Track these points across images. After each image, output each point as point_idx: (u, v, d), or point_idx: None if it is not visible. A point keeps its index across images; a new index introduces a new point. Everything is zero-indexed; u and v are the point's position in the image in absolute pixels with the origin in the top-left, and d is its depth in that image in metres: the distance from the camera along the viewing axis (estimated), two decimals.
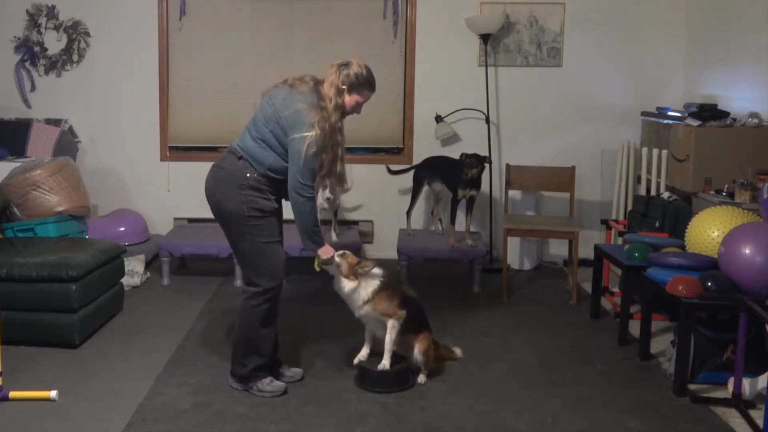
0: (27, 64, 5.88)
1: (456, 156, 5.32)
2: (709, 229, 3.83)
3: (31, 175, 4.90)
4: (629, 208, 5.43)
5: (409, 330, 3.56)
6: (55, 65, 5.86)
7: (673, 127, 5.01)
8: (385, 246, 5.86)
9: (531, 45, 5.87)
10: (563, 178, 5.43)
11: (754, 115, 4.60)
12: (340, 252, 3.44)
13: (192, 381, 3.56)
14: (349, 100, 3.31)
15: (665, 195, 4.87)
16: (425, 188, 5.57)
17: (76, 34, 5.84)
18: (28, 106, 5.90)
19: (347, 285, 3.43)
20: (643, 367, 3.85)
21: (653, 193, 5.13)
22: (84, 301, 3.97)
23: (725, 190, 4.40)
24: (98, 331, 4.19)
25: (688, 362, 3.53)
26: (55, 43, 5.86)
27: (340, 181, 3.39)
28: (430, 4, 5.84)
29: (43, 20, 5.83)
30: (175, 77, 5.93)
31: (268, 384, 3.42)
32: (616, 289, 4.90)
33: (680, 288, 3.47)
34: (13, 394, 3.29)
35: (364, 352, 3.60)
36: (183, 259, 5.58)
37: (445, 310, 4.63)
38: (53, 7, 5.82)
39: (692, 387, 3.55)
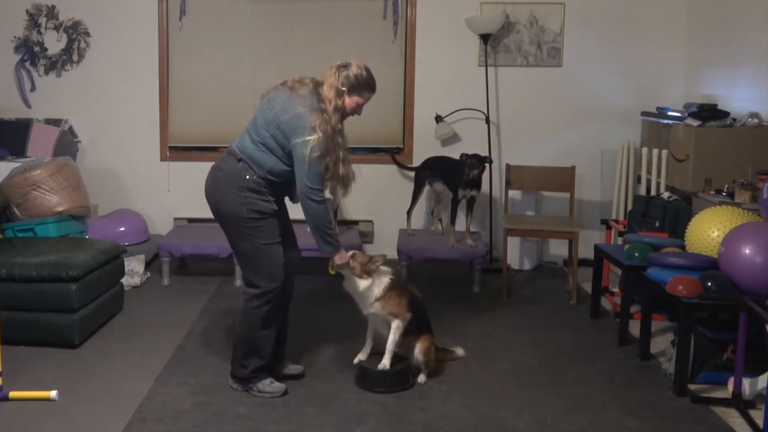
0: (27, 64, 5.88)
1: (456, 156, 5.32)
2: (709, 229, 3.83)
3: (31, 175, 4.90)
4: (629, 208, 5.43)
5: (411, 331, 3.57)
6: (55, 65, 5.86)
7: (673, 127, 5.01)
8: (385, 246, 5.85)
9: (531, 45, 5.87)
10: (563, 178, 5.43)
11: (754, 115, 4.60)
12: (351, 253, 3.44)
13: (192, 381, 3.56)
14: (349, 101, 3.30)
15: (665, 195, 4.87)
16: (426, 188, 5.57)
17: (76, 34, 5.84)
18: (28, 106, 5.91)
19: (361, 284, 3.43)
20: (643, 367, 3.85)
21: (653, 193, 5.13)
22: (84, 301, 3.97)
23: (725, 190, 4.40)
24: (98, 331, 4.19)
25: (688, 362, 3.53)
26: (55, 43, 5.86)
27: (344, 183, 3.36)
28: (430, 4, 5.84)
29: (43, 20, 5.83)
30: (175, 77, 5.93)
31: (269, 385, 3.42)
32: (616, 289, 4.90)
33: (680, 288, 3.47)
34: (13, 394, 3.29)
35: (364, 352, 3.61)
36: (183, 259, 5.58)
37: (445, 310, 4.63)
38: (53, 7, 5.82)
39: (692, 387, 3.55)
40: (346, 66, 3.29)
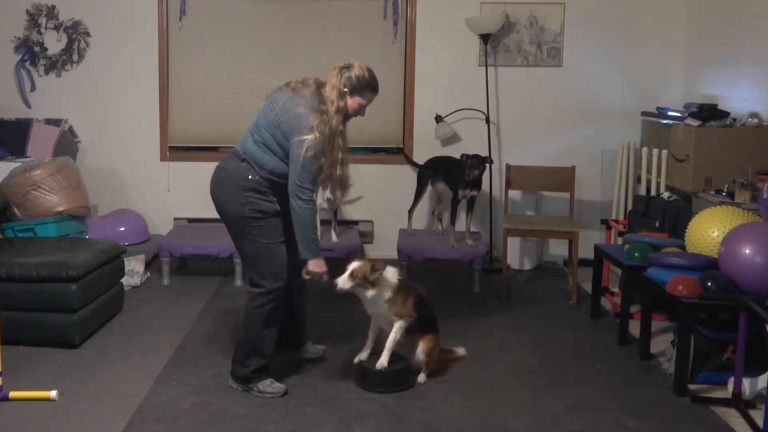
0: (27, 64, 5.88)
1: (457, 156, 5.32)
2: (709, 229, 3.83)
3: (31, 175, 4.90)
4: (629, 208, 5.43)
5: (416, 330, 3.56)
6: (55, 65, 5.86)
7: (673, 127, 5.01)
8: (385, 246, 5.86)
9: (531, 45, 5.87)
10: (563, 178, 5.44)
11: (754, 115, 4.60)
12: (351, 271, 3.38)
13: (192, 381, 3.56)
14: (351, 102, 3.31)
15: (665, 195, 4.87)
16: (428, 188, 5.57)
17: (76, 34, 5.84)
18: (28, 106, 5.90)
19: (368, 294, 3.42)
20: (643, 367, 3.85)
21: (653, 193, 5.13)
22: (84, 301, 3.97)
23: (725, 190, 4.40)
24: (98, 331, 4.19)
25: (688, 362, 3.53)
26: (55, 43, 5.86)
27: (341, 186, 3.37)
28: (430, 4, 5.83)
29: (43, 20, 5.83)
30: (175, 77, 5.93)
31: (269, 385, 3.43)
32: (616, 289, 4.90)
33: (680, 288, 3.48)
34: (13, 394, 3.29)
35: (364, 352, 3.61)
36: (183, 259, 5.58)
37: (445, 310, 4.61)
38: (53, 7, 5.82)
39: (692, 387, 3.55)
40: (348, 67, 3.31)
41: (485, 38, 5.69)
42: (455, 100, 5.86)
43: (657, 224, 4.68)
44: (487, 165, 5.27)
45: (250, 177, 3.29)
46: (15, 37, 5.85)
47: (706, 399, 3.44)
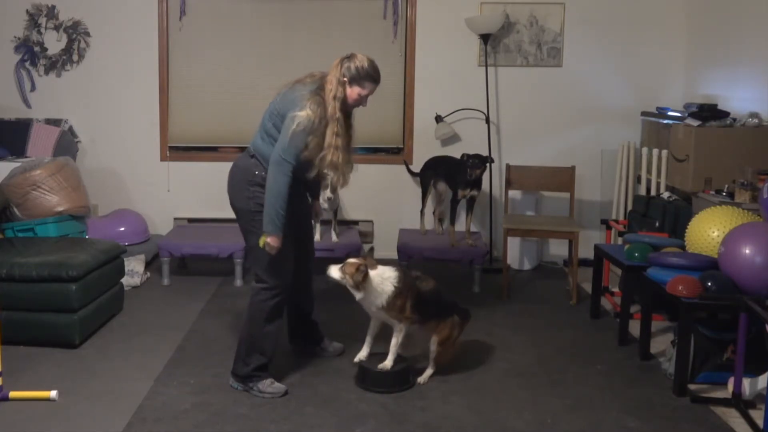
0: (27, 64, 5.87)
1: (457, 156, 5.32)
2: (709, 229, 3.83)
3: (31, 175, 4.90)
4: (629, 208, 5.43)
5: (430, 318, 3.56)
6: (55, 65, 5.86)
7: (673, 127, 5.01)
8: (385, 246, 5.86)
9: (531, 45, 5.87)
10: (563, 178, 5.44)
11: (754, 115, 4.60)
12: (341, 264, 3.44)
13: (192, 381, 3.56)
14: (350, 92, 3.36)
15: (665, 195, 4.87)
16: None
17: (76, 34, 5.84)
18: (28, 106, 5.90)
19: (356, 295, 3.43)
20: (643, 367, 3.85)
21: (653, 193, 5.13)
22: (84, 301, 3.97)
23: (725, 190, 4.40)
24: (98, 331, 4.19)
25: (688, 362, 3.53)
26: (55, 43, 5.86)
27: (333, 168, 3.36)
28: (430, 4, 5.83)
29: (43, 20, 5.83)
30: (175, 77, 5.93)
31: (269, 385, 3.43)
32: (616, 289, 4.90)
33: (680, 288, 3.47)
34: (13, 394, 3.29)
35: (364, 352, 3.60)
36: (183, 259, 5.57)
37: None
38: (53, 7, 5.82)
39: (692, 387, 3.55)
40: (349, 57, 3.38)
41: (485, 38, 5.68)
42: (455, 100, 5.86)
43: (657, 224, 4.68)
44: (488, 165, 5.27)
45: (257, 172, 3.36)
46: (15, 37, 5.85)
47: (706, 399, 3.44)
